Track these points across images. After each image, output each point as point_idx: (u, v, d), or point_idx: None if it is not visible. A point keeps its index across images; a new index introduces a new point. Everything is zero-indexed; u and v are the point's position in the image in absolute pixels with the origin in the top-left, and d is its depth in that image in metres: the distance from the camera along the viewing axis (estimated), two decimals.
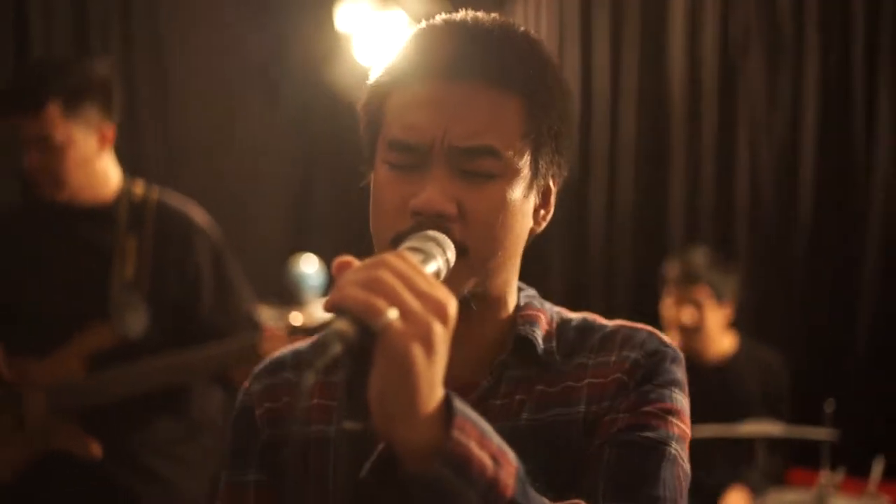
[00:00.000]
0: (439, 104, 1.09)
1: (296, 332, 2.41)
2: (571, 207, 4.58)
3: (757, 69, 4.29)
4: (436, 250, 1.01)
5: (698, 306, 3.55)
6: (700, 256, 3.64)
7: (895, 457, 3.18)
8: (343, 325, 0.82)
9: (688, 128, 4.44)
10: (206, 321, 2.54)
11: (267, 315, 3.10)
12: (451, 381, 1.11)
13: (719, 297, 3.58)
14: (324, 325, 0.83)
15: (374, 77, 1.17)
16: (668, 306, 3.64)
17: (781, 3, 4.24)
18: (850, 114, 4.11)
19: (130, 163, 3.58)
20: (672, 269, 3.67)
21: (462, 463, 0.87)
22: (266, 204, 4.80)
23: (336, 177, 4.88)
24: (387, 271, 0.86)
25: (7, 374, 2.51)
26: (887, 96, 4.03)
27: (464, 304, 1.09)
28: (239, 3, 4.67)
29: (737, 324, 3.74)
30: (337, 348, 0.81)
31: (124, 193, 2.57)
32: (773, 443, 3.35)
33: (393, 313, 0.84)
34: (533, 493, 0.94)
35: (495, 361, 1.15)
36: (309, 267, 4.44)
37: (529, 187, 1.13)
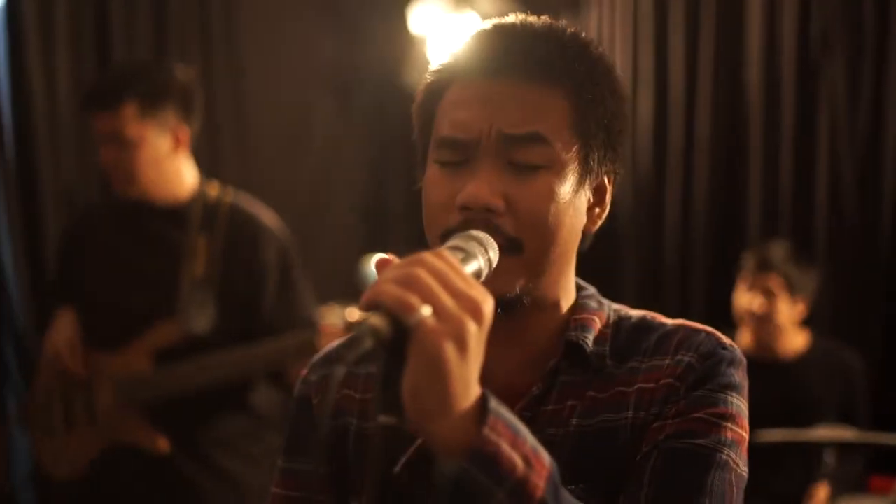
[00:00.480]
0: (485, 100, 1.10)
1: (352, 328, 2.44)
2: (647, 205, 4.52)
3: (838, 67, 4.19)
4: (477, 250, 1.01)
5: (769, 295, 3.49)
6: (779, 248, 3.59)
7: None
8: (377, 320, 0.83)
9: (765, 127, 4.35)
10: (268, 319, 2.59)
11: (338, 314, 3.14)
12: (503, 387, 1.11)
13: (793, 291, 3.51)
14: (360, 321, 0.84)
15: (426, 80, 1.19)
16: (739, 294, 3.60)
17: (864, 1, 4.13)
18: None
19: (207, 164, 3.68)
20: (749, 258, 3.62)
21: (491, 461, 0.87)
22: (339, 204, 4.85)
23: (408, 178, 4.86)
24: (423, 269, 0.87)
25: (83, 368, 2.60)
26: None
27: (515, 305, 1.10)
28: (313, 6, 4.73)
29: (814, 324, 3.66)
30: (369, 343, 0.82)
31: (199, 194, 2.64)
32: (847, 447, 3.26)
33: (426, 310, 0.85)
34: (566, 497, 0.94)
35: (546, 367, 1.14)
36: None
37: (580, 182, 1.12)
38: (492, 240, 1.04)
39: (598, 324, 1.18)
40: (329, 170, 4.75)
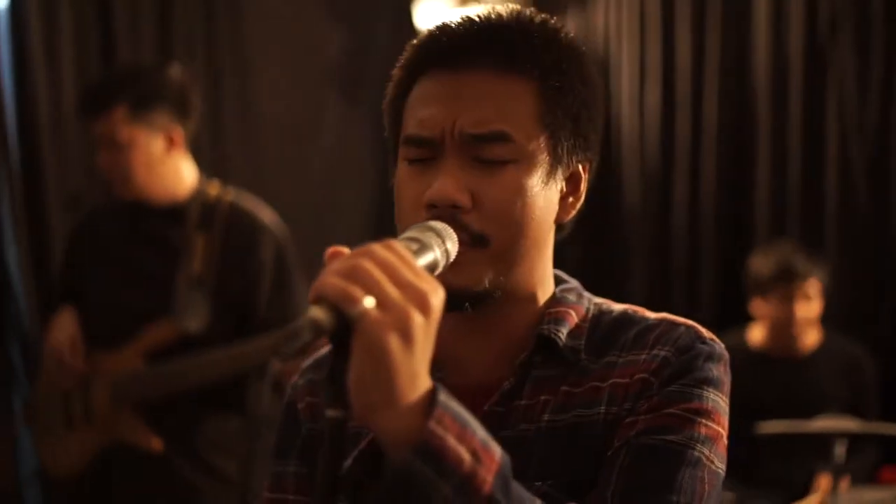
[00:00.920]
0: (449, 95, 1.09)
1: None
2: (655, 201, 4.50)
3: (846, 58, 4.15)
4: (434, 241, 0.99)
5: (808, 300, 3.51)
6: (798, 253, 3.57)
7: None
8: (318, 312, 0.82)
9: (774, 118, 4.31)
10: (262, 318, 2.60)
11: None
12: (478, 381, 1.11)
13: (825, 291, 3.56)
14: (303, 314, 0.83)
15: (393, 75, 1.18)
16: (764, 304, 3.54)
17: None
18: None
19: (215, 164, 3.68)
20: (765, 266, 3.56)
21: (436, 454, 0.86)
22: (346, 203, 4.84)
23: None
24: (369, 260, 0.86)
25: (82, 366, 2.62)
26: None
27: (486, 298, 1.08)
28: (319, 3, 4.73)
29: (825, 318, 3.64)
30: (308, 336, 0.81)
31: (198, 193, 2.65)
32: (858, 439, 3.24)
33: (370, 302, 0.83)
34: (518, 492, 0.92)
35: (517, 361, 1.12)
36: None
37: (550, 173, 1.11)
38: (451, 230, 1.03)
39: (573, 317, 1.15)
40: (336, 167, 4.75)
